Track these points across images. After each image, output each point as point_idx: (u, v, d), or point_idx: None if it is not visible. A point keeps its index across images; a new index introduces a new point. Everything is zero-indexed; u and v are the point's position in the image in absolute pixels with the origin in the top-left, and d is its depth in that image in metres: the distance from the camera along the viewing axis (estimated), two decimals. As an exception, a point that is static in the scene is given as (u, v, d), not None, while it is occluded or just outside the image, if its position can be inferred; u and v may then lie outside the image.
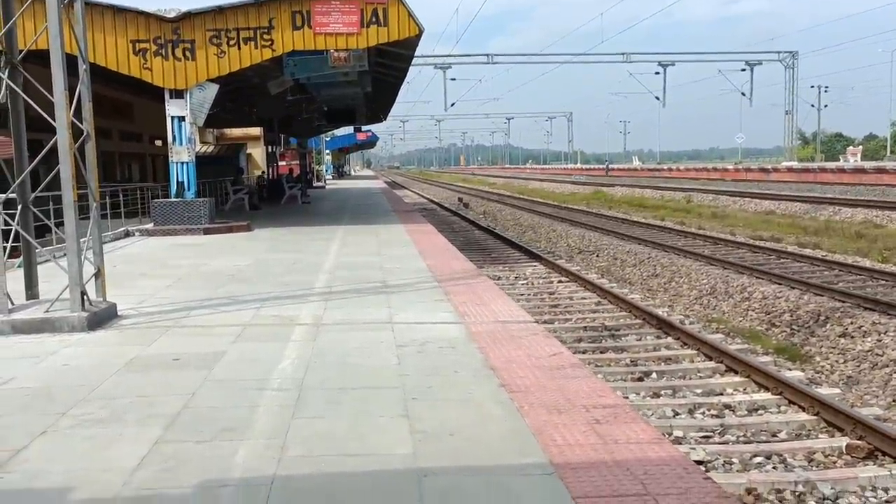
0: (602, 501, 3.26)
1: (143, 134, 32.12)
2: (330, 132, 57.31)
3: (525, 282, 14.43)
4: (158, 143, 31.74)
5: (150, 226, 16.93)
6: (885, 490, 5.25)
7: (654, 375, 8.13)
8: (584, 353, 8.89)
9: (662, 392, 7.60)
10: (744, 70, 56.90)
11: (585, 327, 10.44)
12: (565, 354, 5.85)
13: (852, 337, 9.39)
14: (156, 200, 17.44)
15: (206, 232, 16.41)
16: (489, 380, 5.13)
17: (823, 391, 7.32)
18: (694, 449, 5.95)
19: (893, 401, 7.52)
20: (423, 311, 7.65)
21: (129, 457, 3.87)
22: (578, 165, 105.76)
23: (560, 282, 14.28)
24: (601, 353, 9.15)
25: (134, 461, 3.81)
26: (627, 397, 7.15)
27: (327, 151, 66.80)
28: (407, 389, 4.95)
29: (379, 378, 5.26)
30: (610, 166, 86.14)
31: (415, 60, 24.21)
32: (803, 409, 6.80)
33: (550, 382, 5.04)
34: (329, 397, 4.83)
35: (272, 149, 38.19)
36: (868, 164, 46.16)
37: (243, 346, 6.28)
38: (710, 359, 8.52)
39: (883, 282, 12.41)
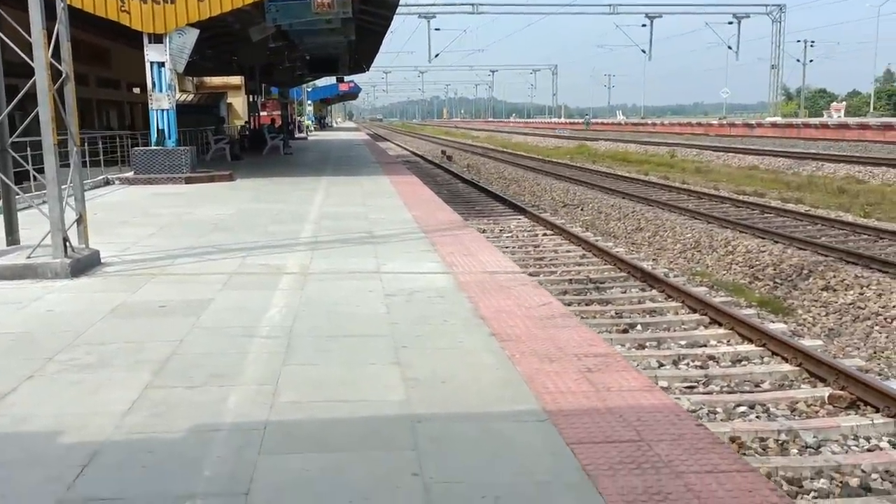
0: (596, 447, 3.27)
1: (122, 81, 31.44)
2: (312, 82, 56.45)
3: (510, 235, 14.41)
4: (137, 90, 31.11)
5: (130, 174, 16.66)
6: (867, 439, 5.35)
7: (639, 327, 8.18)
8: (569, 304, 8.90)
9: (647, 343, 7.65)
10: (731, 23, 56.55)
11: (571, 280, 10.46)
12: (555, 304, 5.85)
13: (835, 290, 9.49)
14: (136, 148, 17.12)
15: (188, 181, 16.19)
16: (479, 329, 5.13)
17: (806, 343, 7.40)
18: (679, 399, 6.01)
19: (874, 352, 7.64)
20: (410, 260, 7.61)
21: (119, 401, 3.83)
22: (562, 119, 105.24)
23: (545, 235, 14.28)
24: (586, 305, 9.19)
25: (124, 406, 3.78)
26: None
27: (309, 102, 65.91)
28: (397, 338, 4.94)
29: (368, 326, 5.24)
30: (590, 120, 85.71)
31: (399, 9, 23.76)
32: (786, 361, 6.88)
33: (541, 332, 5.04)
34: (319, 345, 4.80)
35: (253, 98, 37.54)
36: (851, 120, 46.34)
37: (230, 294, 6.22)
38: (695, 311, 8.58)
39: (865, 236, 12.53)
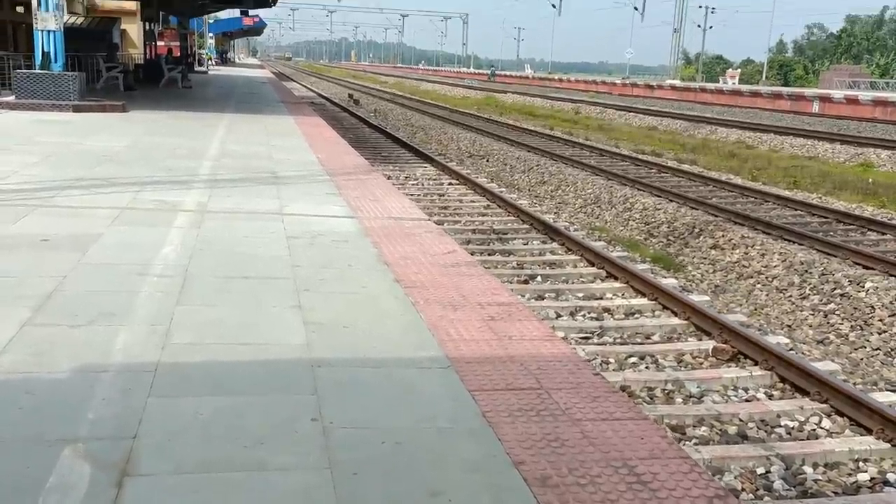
0: (497, 394, 3.30)
1: (2, -3, 28.95)
2: (214, 14, 53.84)
3: (415, 182, 14.33)
4: (20, 9, 28.79)
5: (11, 98, 15.48)
6: (745, 390, 5.66)
7: (539, 278, 8.33)
8: (472, 254, 8.94)
9: (546, 294, 7.81)
10: (639, -15, 57.42)
11: (474, 230, 10.52)
12: (459, 252, 5.85)
13: (722, 249, 9.95)
14: (18, 71, 15.90)
15: (77, 109, 15.18)
16: (384, 274, 5.07)
17: (694, 298, 7.73)
18: (574, 349, 6.17)
19: (755, 308, 8.07)
20: (314, 203, 7.43)
21: (-5, 340, 3.57)
22: (471, 69, 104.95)
23: (450, 184, 14.27)
24: (489, 255, 9.27)
25: None
26: (514, 298, 7.28)
27: (210, 35, 62.90)
28: (299, 281, 4.82)
29: (269, 268, 5.08)
30: (495, 72, 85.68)
31: (310, -59, 22.77)
32: (675, 315, 7.16)
33: (445, 279, 5.03)
34: (217, 285, 4.63)
35: (150, 26, 35.44)
36: (745, 88, 48.36)
37: (121, 230, 5.90)
38: (593, 265, 8.80)
39: (752, 198, 13.16)
